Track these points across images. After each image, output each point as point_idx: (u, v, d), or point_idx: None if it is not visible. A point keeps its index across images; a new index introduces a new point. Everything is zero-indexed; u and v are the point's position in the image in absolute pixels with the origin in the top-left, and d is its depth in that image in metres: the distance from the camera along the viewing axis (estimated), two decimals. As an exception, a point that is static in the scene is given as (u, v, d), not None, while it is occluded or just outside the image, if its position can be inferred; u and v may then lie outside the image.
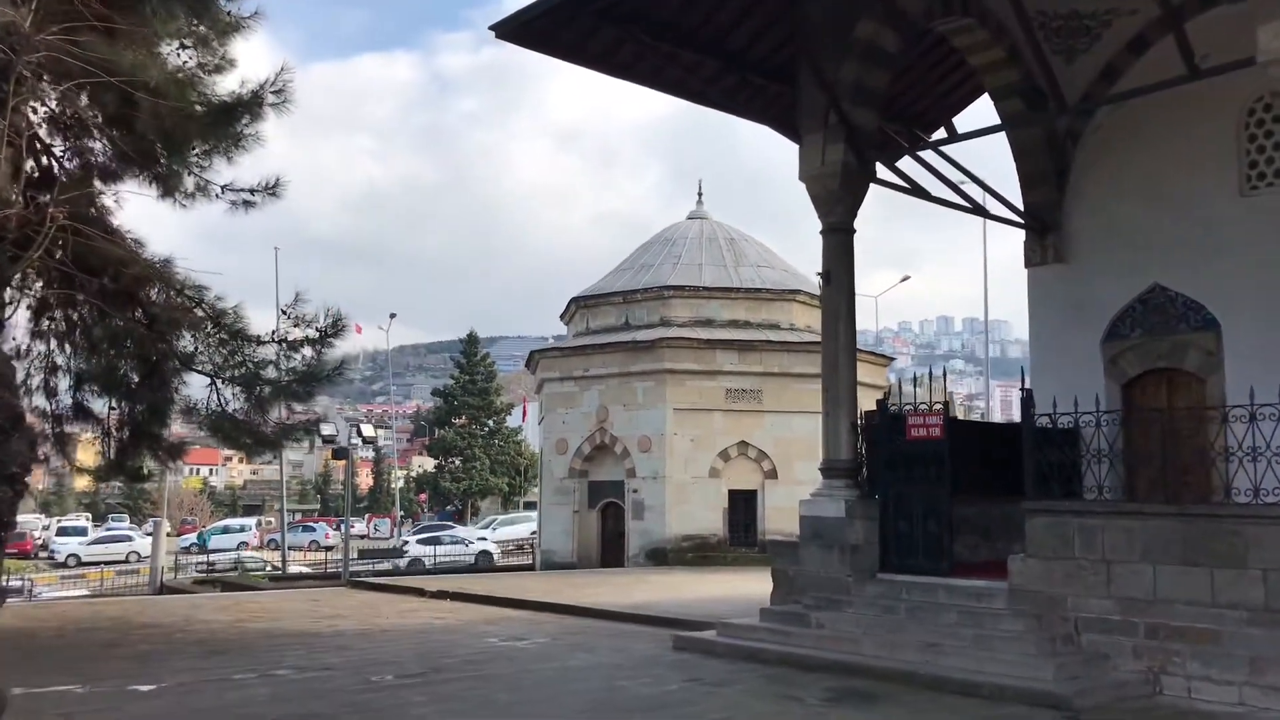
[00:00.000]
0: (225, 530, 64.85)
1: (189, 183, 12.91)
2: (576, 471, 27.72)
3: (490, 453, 72.55)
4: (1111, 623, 10.02)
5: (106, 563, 46.79)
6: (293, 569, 38.37)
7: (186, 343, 13.21)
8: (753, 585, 19.78)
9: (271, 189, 12.96)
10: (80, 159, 12.78)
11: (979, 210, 15.84)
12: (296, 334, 13.30)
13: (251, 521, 69.53)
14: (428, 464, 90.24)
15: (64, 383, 13.41)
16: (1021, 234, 15.59)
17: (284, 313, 13.18)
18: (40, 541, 57.39)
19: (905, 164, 14.85)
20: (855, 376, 13.58)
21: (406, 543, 44.08)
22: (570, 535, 27.60)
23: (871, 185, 13.61)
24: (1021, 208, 16.00)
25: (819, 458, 26.17)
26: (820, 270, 13.52)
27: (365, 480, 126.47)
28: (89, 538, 55.21)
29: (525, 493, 69.68)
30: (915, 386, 13.52)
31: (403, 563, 39.30)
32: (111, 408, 13.29)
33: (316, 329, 13.31)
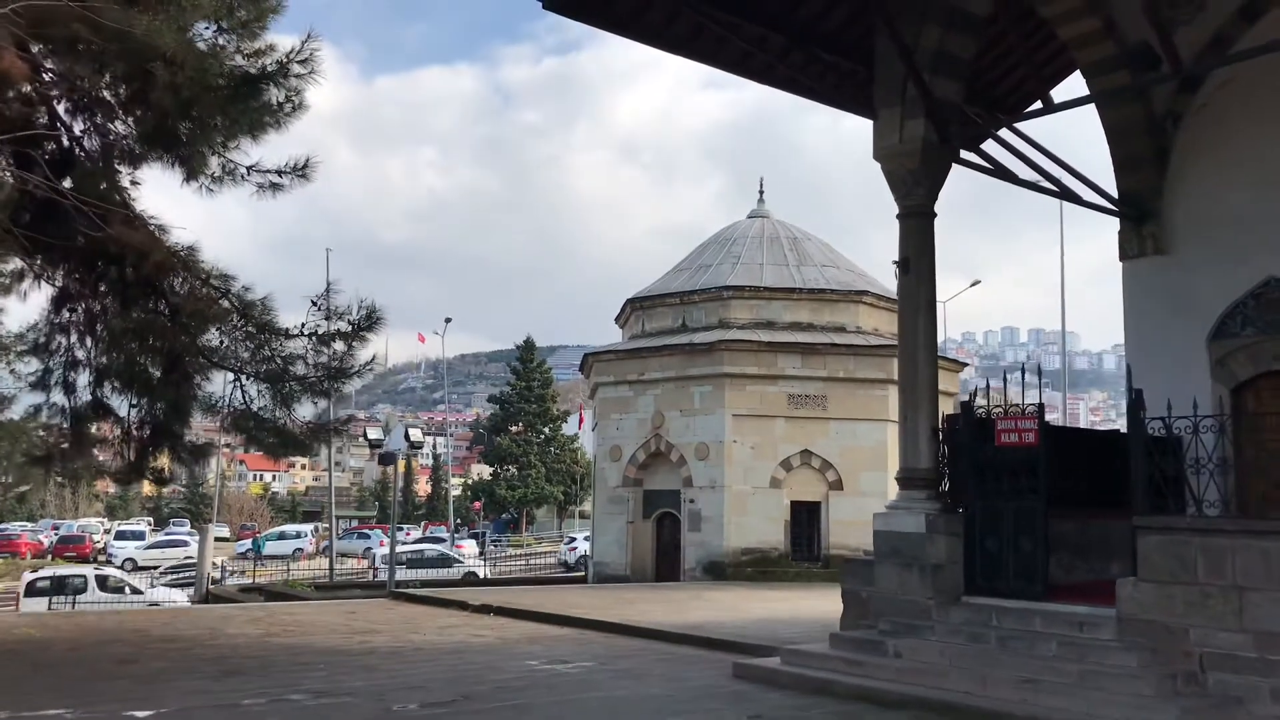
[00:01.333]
0: (281, 536, 64.81)
1: (214, 164, 12.04)
2: (631, 480, 26.58)
3: (546, 461, 71.80)
4: (1244, 660, 8.61)
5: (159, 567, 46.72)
6: (347, 574, 37.88)
7: (211, 336, 12.31)
8: (818, 604, 18.46)
9: (300, 170, 12.04)
10: (101, 139, 11.95)
11: (1069, 196, 14.39)
12: (327, 327, 12.35)
13: (308, 528, 69.44)
14: (486, 472, 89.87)
15: (84, 378, 12.57)
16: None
17: (314, 304, 12.24)
18: (100, 545, 57.67)
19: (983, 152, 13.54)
20: (936, 376, 12.26)
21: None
22: (624, 547, 26.44)
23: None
24: (1115, 195, 14.62)
25: (887, 468, 24.99)
26: (896, 259, 12.23)
27: (424, 488, 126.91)
28: (145, 542, 55.31)
29: (581, 502, 68.75)
30: (988, 396, 12.16)
31: (456, 573, 38.46)
32: (132, 405, 12.46)
33: (349, 322, 12.36)
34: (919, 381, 11.95)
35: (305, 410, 12.25)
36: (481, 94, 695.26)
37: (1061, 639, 9.61)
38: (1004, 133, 13.65)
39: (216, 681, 10.10)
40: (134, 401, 12.34)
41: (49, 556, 54.08)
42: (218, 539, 78.21)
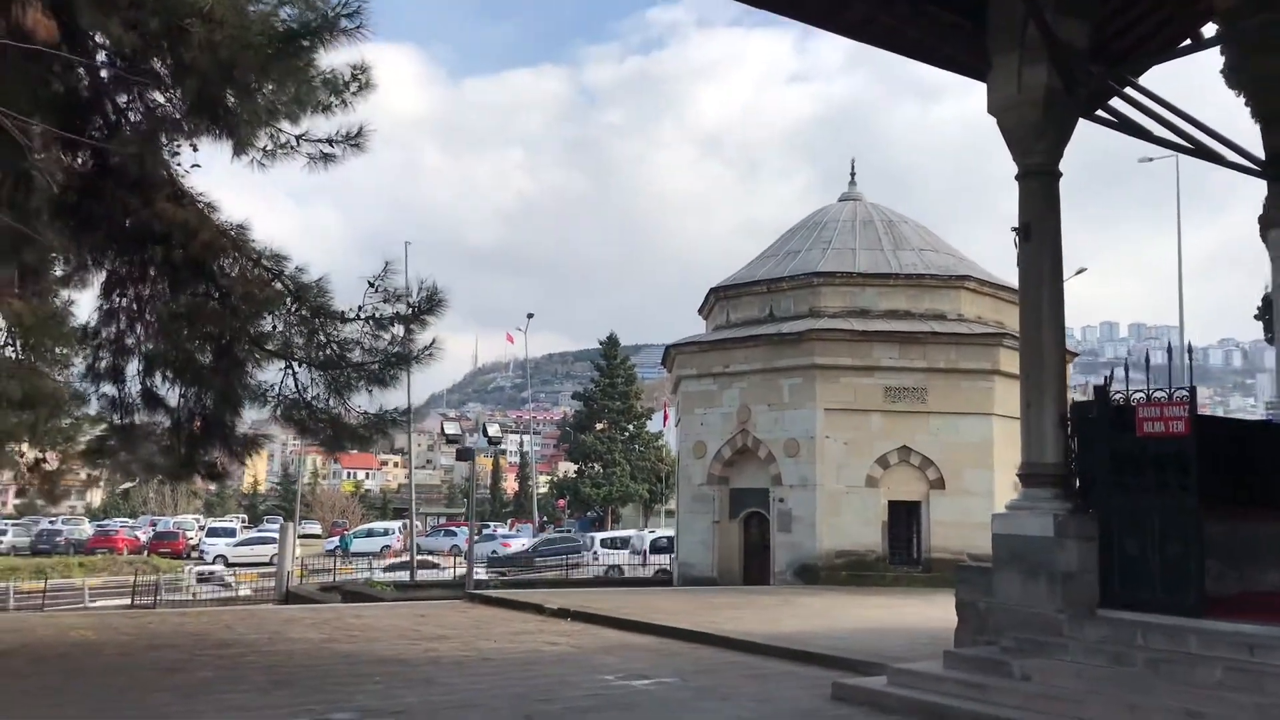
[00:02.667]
0: (370, 534, 65.12)
1: (263, 137, 11.19)
2: (716, 478, 25.33)
3: (630, 458, 70.82)
4: None
5: (251, 564, 47.04)
6: (428, 573, 37.37)
7: (263, 320, 11.48)
8: (921, 612, 16.99)
9: (353, 139, 11.12)
10: (145, 111, 11.20)
11: (1207, 155, 12.72)
12: (385, 310, 11.43)
13: (396, 525, 69.62)
14: (571, 470, 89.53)
15: (133, 368, 11.86)
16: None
17: (371, 285, 11.31)
18: (194, 542, 58.58)
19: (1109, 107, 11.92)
20: (1064, 357, 10.78)
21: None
22: (709, 548, 25.20)
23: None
24: (1261, 155, 12.94)
25: (992, 466, 23.24)
26: (1016, 225, 10.78)
27: (511, 485, 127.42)
28: (236, 539, 55.91)
29: (666, 500, 67.63)
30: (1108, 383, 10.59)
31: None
32: (182, 395, 11.70)
33: (408, 304, 11.41)
34: (1044, 363, 10.49)
35: (360, 400, 11.32)
36: (566, 95, 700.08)
37: (1228, 664, 8.11)
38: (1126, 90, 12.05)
39: (262, 694, 9.21)
40: (184, 392, 11.57)
41: (145, 553, 55.08)
42: (309, 535, 79.55)
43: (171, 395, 11.68)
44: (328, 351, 11.52)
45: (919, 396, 23.64)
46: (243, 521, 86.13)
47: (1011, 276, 25.69)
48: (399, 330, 11.49)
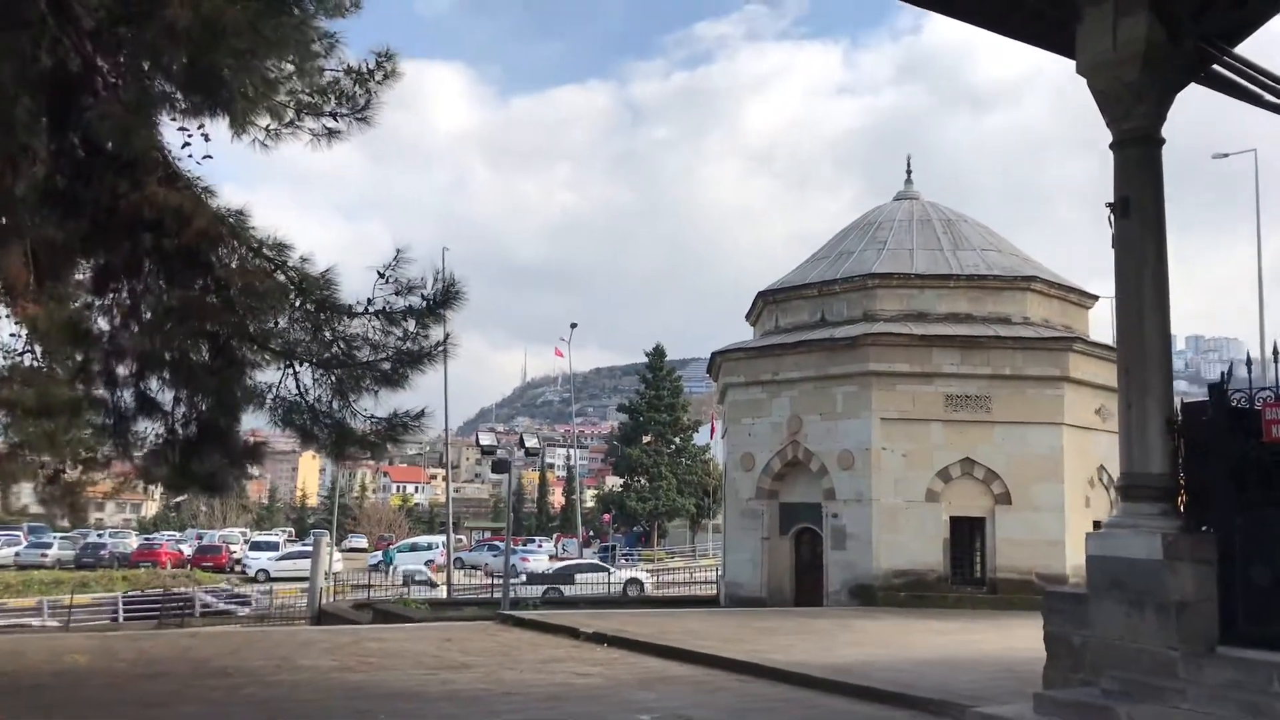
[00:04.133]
0: (413, 548, 64.46)
1: (262, 114, 10.16)
2: (765, 492, 23.93)
3: (677, 472, 69.46)
4: None
5: (293, 579, 46.37)
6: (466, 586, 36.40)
7: (265, 316, 10.40)
8: (992, 639, 15.49)
9: (359, 112, 10.05)
10: (137, 87, 10.19)
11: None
12: (398, 304, 10.29)
13: (440, 539, 68.84)
14: (618, 484, 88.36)
15: (126, 370, 10.84)
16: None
17: (381, 275, 10.17)
18: (237, 556, 58.17)
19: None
20: (1169, 351, 9.30)
21: None
22: (758, 566, 23.79)
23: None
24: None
25: (1063, 479, 21.56)
26: (1111, 200, 9.37)
27: (558, 499, 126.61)
28: (279, 553, 55.36)
29: (714, 515, 66.13)
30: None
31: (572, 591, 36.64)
32: (177, 399, 10.65)
33: (422, 296, 10.26)
34: (1146, 358, 9.06)
35: (368, 402, 10.16)
36: (613, 110, 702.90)
37: (1396, 719, 6.64)
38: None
39: (247, 736, 8.05)
40: (177, 395, 10.52)
41: (188, 566, 54.73)
42: (355, 549, 79.09)
43: (166, 399, 10.60)
44: (334, 349, 10.40)
45: (982, 405, 22.09)
46: (289, 535, 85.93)
47: (1079, 279, 24.02)
48: (412, 326, 10.35)
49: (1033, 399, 22.07)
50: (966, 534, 22.12)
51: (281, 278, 10.56)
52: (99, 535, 68.41)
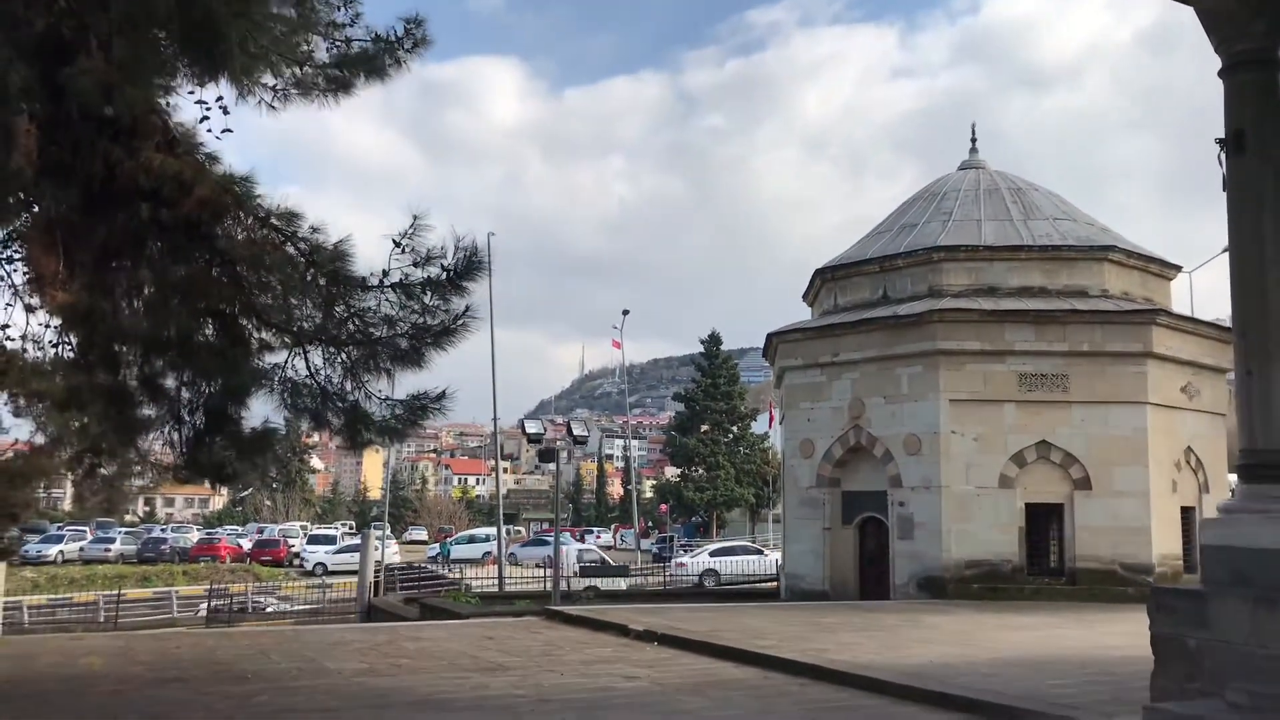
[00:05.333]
0: (471, 540, 64.15)
1: (264, 72, 9.31)
2: (826, 479, 22.73)
3: (735, 461, 68.26)
4: None
5: (351, 572, 46.17)
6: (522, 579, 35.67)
7: (275, 289, 9.55)
8: (1078, 635, 14.20)
9: (369, 63, 9.15)
10: (131, 45, 9.38)
11: None
12: (415, 275, 9.38)
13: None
14: (675, 474, 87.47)
15: (129, 353, 10.07)
16: None
17: (396, 245, 9.26)
18: (295, 550, 58.31)
19: None
20: (1299, 307, 8.00)
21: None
22: (820, 557, 22.61)
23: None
24: None
25: (1147, 462, 20.06)
26: (1222, 135, 8.10)
27: (617, 490, 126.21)
28: (336, 546, 55.30)
29: (773, 504, 64.88)
30: None
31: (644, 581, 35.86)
32: (182, 384, 9.85)
33: (442, 266, 9.33)
34: (1269, 316, 7.78)
35: (383, 384, 9.25)
36: (666, 100, 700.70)
37: None
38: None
39: (245, 755, 7.19)
40: (181, 378, 9.72)
41: (247, 560, 54.96)
42: (415, 542, 79.13)
43: (172, 385, 9.81)
44: (350, 326, 9.51)
45: (1059, 384, 20.66)
46: (350, 528, 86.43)
47: (1157, 248, 22.37)
48: (430, 299, 9.42)
49: (1114, 377, 20.58)
50: (1043, 522, 20.72)
51: (292, 250, 9.72)
52: (163, 530, 69.26)
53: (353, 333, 9.46)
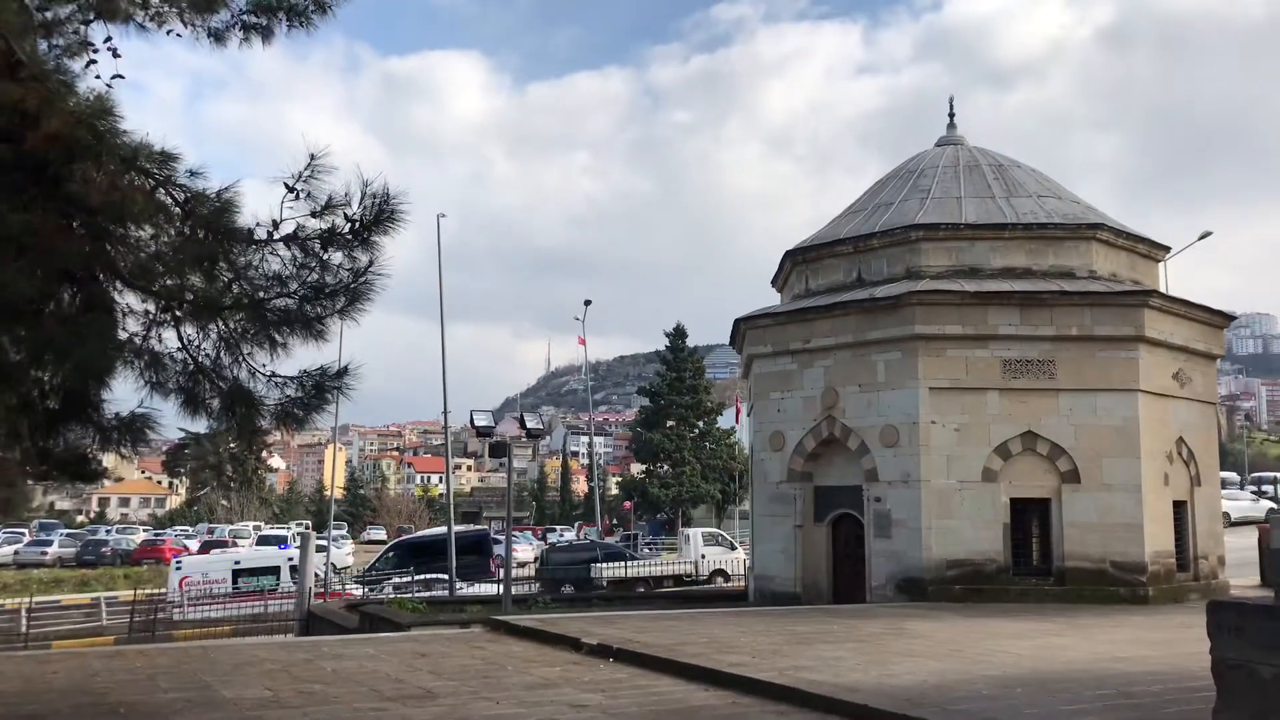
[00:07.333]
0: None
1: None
2: (797, 474, 21.28)
3: (701, 457, 66.88)
4: None
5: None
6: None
7: (142, 245, 7.88)
8: (1073, 644, 12.77)
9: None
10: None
11: None
12: (312, 226, 7.74)
13: (459, 529, 66.62)
14: (640, 470, 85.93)
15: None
16: None
17: (290, 189, 7.62)
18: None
19: None
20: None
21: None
22: (791, 557, 21.14)
23: None
24: None
25: (1139, 453, 18.75)
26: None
27: (582, 488, 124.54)
28: (287, 548, 53.10)
29: (740, 500, 63.56)
30: None
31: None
32: (32, 361, 8.11)
33: (346, 216, 7.71)
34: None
35: (270, 357, 7.59)
36: (631, 96, 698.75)
37: None
38: None
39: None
40: (27, 353, 7.98)
41: (194, 562, 52.63)
42: (374, 542, 76.94)
43: (13, 360, 8.08)
44: (234, 289, 7.85)
45: (1045, 371, 19.34)
46: (303, 529, 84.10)
47: (1144, 229, 21.02)
48: (337, 256, 7.80)
49: (1103, 363, 19.30)
50: (1029, 518, 19.42)
51: (165, 198, 8.04)
52: (108, 531, 66.68)
53: (237, 296, 7.81)
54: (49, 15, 9.23)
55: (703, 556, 36.41)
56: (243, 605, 28.61)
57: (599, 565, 34.40)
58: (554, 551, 40.32)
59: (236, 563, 35.38)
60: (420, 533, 45.01)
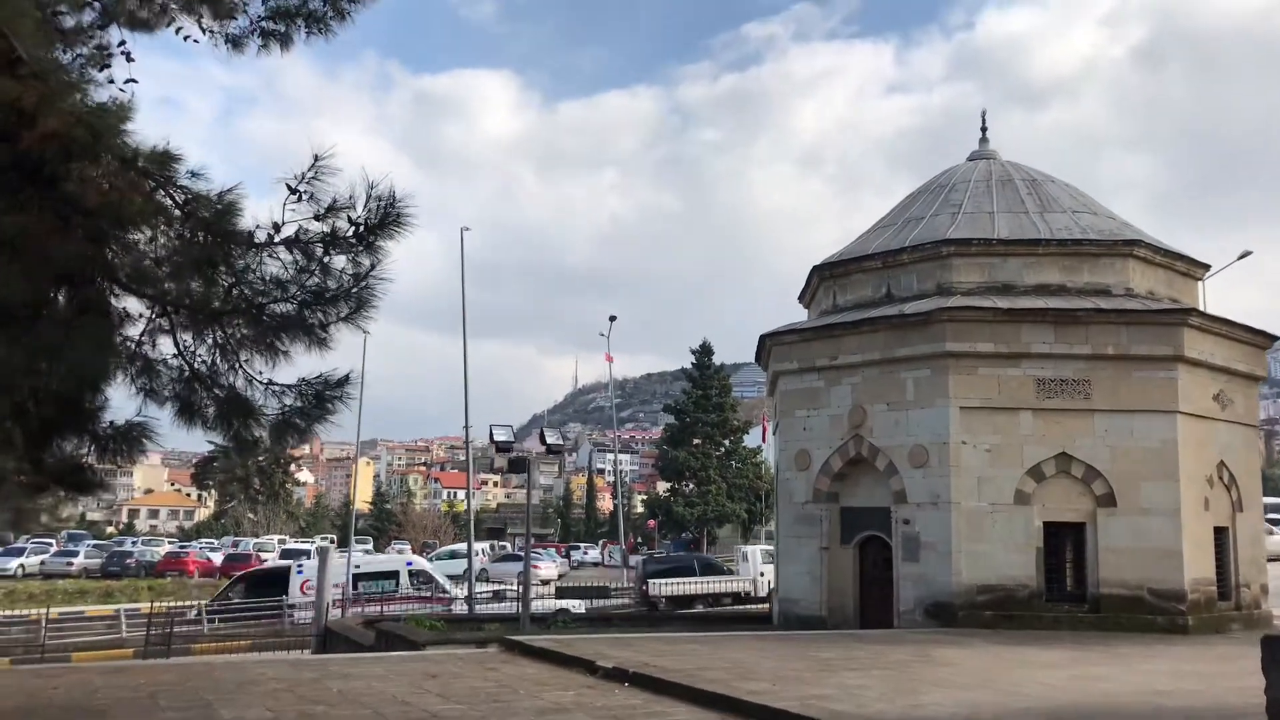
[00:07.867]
0: (453, 555, 61.88)
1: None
2: (823, 494, 20.78)
3: (727, 475, 66.26)
4: None
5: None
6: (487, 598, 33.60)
7: (140, 248, 7.62)
8: (1113, 676, 12.21)
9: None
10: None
11: None
12: (315, 229, 7.44)
13: (482, 546, 66.36)
14: (665, 489, 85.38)
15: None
16: None
17: (292, 190, 7.33)
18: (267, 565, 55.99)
19: None
20: None
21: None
22: (817, 580, 20.62)
23: None
24: None
25: (1178, 476, 18.11)
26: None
27: (607, 505, 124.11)
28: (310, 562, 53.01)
29: (766, 520, 62.88)
30: None
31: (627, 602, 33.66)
32: (29, 367, 7.85)
33: (349, 219, 7.41)
34: None
35: (270, 364, 7.28)
36: (660, 114, 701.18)
37: None
38: None
39: None
40: (20, 360, 7.71)
41: (218, 575, 52.72)
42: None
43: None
44: (235, 294, 7.56)
45: (1080, 391, 18.77)
46: (332, 543, 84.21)
47: (1182, 246, 20.42)
48: (339, 260, 7.50)
49: (1141, 383, 18.70)
50: (1063, 543, 18.81)
51: (165, 199, 7.78)
52: (133, 543, 66.94)
53: (237, 300, 7.52)
54: (69, 23, 9.08)
55: (761, 574, 35.70)
56: (366, 608, 28.66)
57: (658, 581, 34.12)
58: (650, 562, 39.63)
59: (356, 567, 35.63)
60: (265, 565, 45.21)
